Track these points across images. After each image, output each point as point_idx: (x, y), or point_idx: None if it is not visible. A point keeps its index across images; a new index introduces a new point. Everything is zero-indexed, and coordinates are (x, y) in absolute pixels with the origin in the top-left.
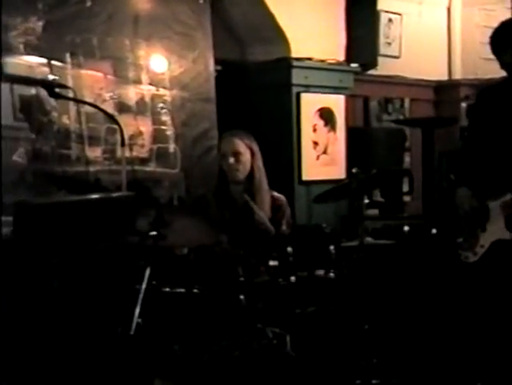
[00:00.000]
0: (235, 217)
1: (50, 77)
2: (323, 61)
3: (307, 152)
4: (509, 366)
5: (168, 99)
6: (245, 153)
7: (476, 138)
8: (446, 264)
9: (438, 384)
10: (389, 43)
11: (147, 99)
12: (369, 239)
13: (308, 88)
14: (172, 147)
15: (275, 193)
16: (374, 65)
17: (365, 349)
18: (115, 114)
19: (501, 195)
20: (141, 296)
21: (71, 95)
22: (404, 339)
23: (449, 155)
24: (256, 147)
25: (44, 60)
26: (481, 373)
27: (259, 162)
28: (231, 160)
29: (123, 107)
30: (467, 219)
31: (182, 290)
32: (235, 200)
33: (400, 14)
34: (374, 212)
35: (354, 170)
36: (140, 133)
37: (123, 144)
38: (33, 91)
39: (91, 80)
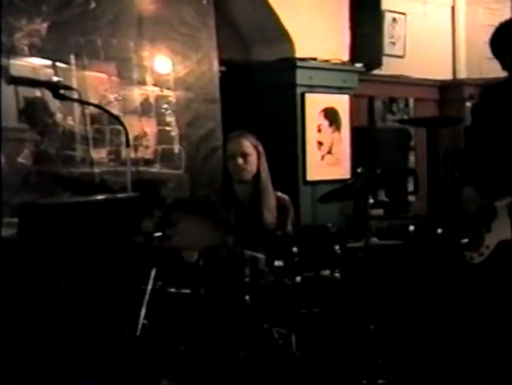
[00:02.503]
0: (240, 218)
1: (55, 79)
2: (327, 61)
3: (312, 152)
4: None
5: (172, 99)
6: (253, 154)
7: (480, 137)
8: (452, 264)
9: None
10: (393, 43)
11: (151, 100)
12: (374, 239)
13: (312, 88)
14: (176, 148)
15: (279, 193)
16: (378, 65)
17: (371, 349)
18: (120, 115)
19: (508, 195)
20: (147, 297)
21: (75, 96)
22: (410, 339)
23: (454, 154)
24: (261, 148)
25: (48, 62)
26: (487, 373)
27: (264, 163)
28: (240, 160)
29: (127, 109)
30: (473, 219)
31: (188, 291)
32: (240, 201)
33: (404, 14)
34: (379, 211)
35: (359, 170)
36: (145, 134)
37: (127, 145)
38: (37, 92)
39: (95, 81)
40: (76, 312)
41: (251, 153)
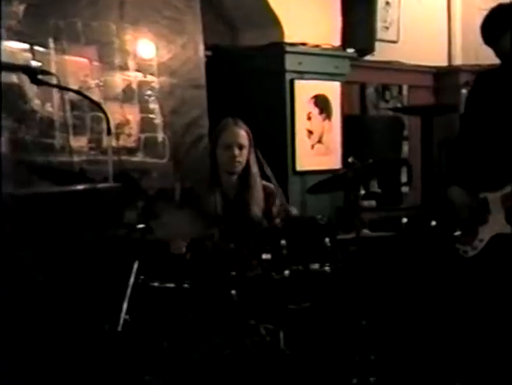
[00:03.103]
0: (227, 210)
1: (33, 63)
2: (317, 46)
3: (301, 141)
4: (508, 361)
5: (156, 86)
6: (247, 145)
7: (472, 125)
8: (445, 258)
9: (436, 381)
10: (387, 27)
11: (134, 86)
12: (366, 231)
13: (302, 75)
14: (160, 136)
15: (264, 182)
16: (371, 50)
17: (362, 346)
18: (101, 102)
19: (501, 187)
20: (129, 291)
21: (54, 81)
22: (403, 335)
23: (449, 143)
24: (252, 139)
25: (26, 46)
26: (480, 370)
27: (254, 154)
28: (236, 152)
29: (109, 95)
30: (467, 222)
31: (172, 285)
32: (226, 193)
33: None
34: (371, 203)
35: (350, 159)
36: (127, 122)
37: (109, 133)
38: (14, 77)
39: (75, 66)
40: (55, 307)
41: (246, 145)
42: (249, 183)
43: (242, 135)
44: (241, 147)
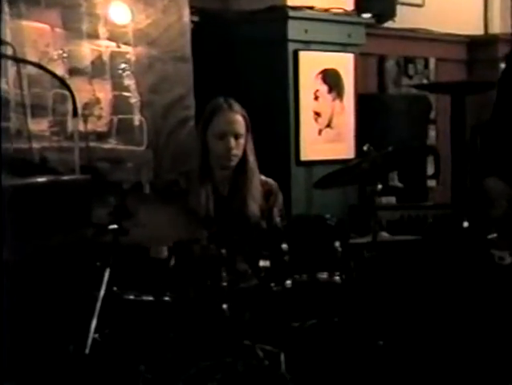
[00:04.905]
0: (219, 208)
1: None
2: (327, 10)
3: (307, 126)
4: None
5: (131, 57)
6: (244, 133)
7: (507, 107)
8: (479, 265)
9: None
10: None
11: (105, 57)
12: (384, 234)
13: (309, 45)
14: (137, 118)
15: (263, 177)
16: (391, 16)
17: (379, 370)
18: (66, 77)
19: None
20: (99, 305)
21: (9, 52)
22: (428, 358)
23: (484, 127)
24: (250, 124)
25: None
26: None
27: (251, 142)
28: (232, 143)
29: (75, 68)
30: (506, 217)
31: (150, 298)
32: (218, 188)
33: None
34: (390, 200)
35: (365, 147)
36: (97, 101)
37: (75, 115)
38: None
39: (34, 34)
40: (9, 324)
41: (243, 133)
42: (246, 176)
43: (239, 121)
44: (237, 137)
